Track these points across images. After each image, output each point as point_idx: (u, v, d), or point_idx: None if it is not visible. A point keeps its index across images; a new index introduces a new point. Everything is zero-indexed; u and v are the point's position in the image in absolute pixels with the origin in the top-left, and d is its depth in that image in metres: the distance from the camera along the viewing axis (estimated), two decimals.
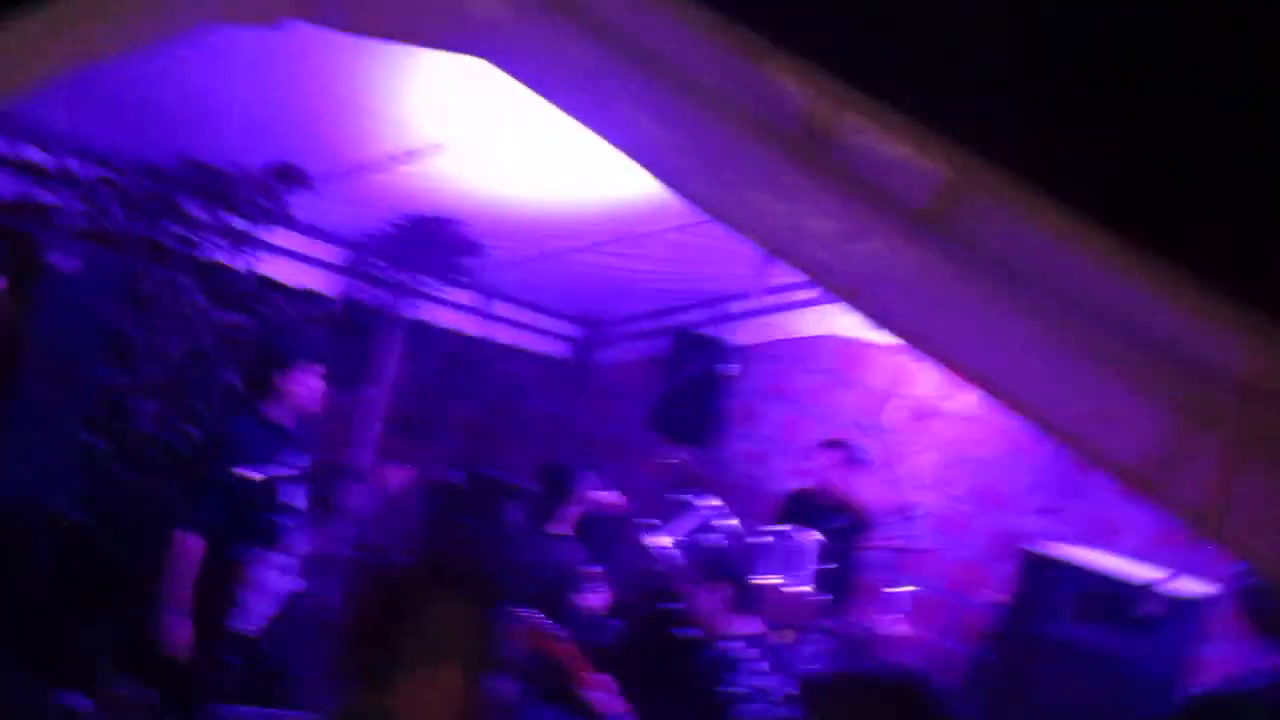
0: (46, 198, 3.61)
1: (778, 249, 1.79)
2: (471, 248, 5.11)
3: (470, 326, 6.06)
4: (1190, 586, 3.72)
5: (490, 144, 3.93)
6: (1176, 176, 1.36)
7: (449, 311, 5.73)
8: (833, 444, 5.42)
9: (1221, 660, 4.84)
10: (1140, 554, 5.30)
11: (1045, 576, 3.80)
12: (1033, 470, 5.76)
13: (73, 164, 3.62)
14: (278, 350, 4.00)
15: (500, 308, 6.19)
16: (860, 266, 1.68)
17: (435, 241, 5.01)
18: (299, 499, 3.93)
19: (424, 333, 5.91)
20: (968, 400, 5.95)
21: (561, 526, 4.27)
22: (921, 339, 1.69)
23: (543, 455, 7.10)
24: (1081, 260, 1.47)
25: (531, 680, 4.60)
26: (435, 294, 5.23)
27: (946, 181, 1.54)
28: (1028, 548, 3.94)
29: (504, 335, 6.38)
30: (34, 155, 3.57)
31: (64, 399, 3.32)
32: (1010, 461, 5.86)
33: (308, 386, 3.95)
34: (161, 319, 3.99)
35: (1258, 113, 1.32)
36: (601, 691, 3.25)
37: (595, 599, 4.03)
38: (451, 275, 5.19)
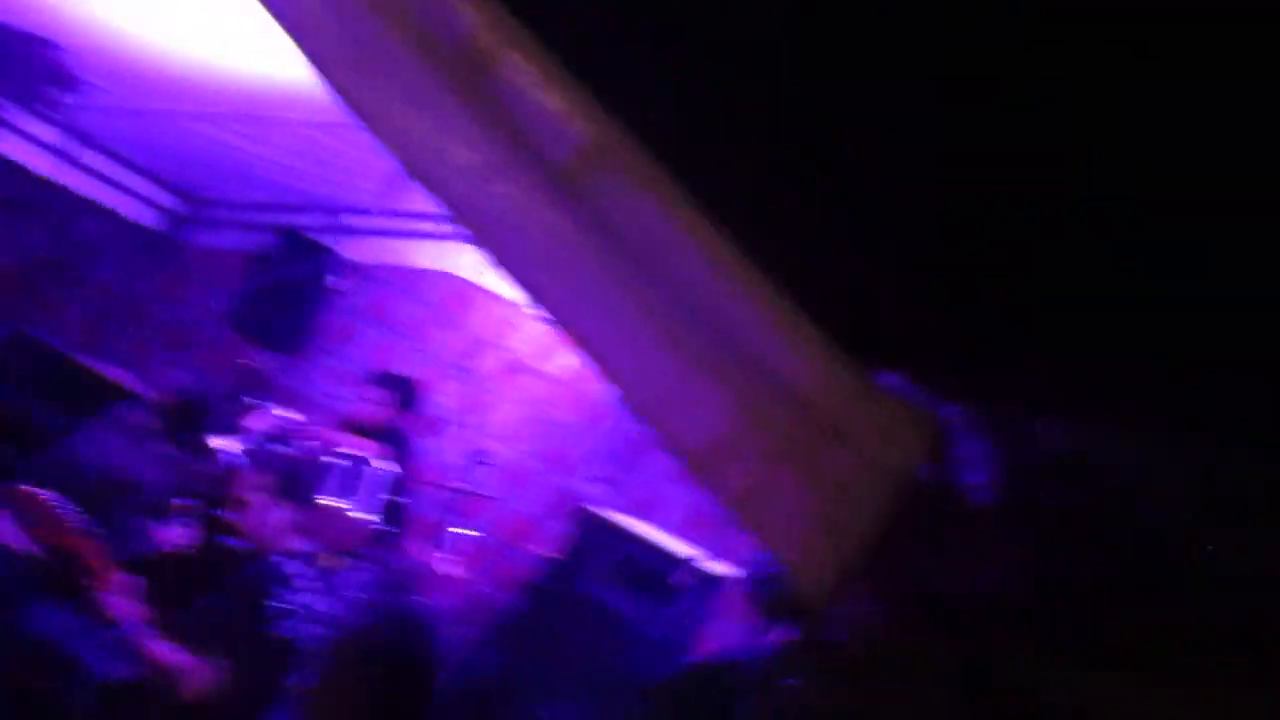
0: None
1: (416, 170, 1.73)
2: (69, 80, 4.46)
3: (43, 167, 5.30)
4: (713, 566, 4.14)
5: None
6: (803, 194, 1.49)
7: (20, 144, 4.97)
8: (388, 381, 5.37)
9: (723, 635, 5.47)
10: (673, 531, 5.85)
11: (593, 539, 4.05)
12: (599, 439, 6.13)
13: None
14: None
15: (86, 155, 5.47)
16: (493, 205, 1.67)
17: (20, 58, 4.31)
18: None
19: None
20: (559, 363, 6.20)
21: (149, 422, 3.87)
22: (536, 291, 1.71)
23: (95, 329, 6.41)
24: (691, 256, 1.57)
25: (38, 571, 4.14)
26: (4, 117, 4.51)
27: (590, 144, 1.58)
28: (583, 508, 4.18)
29: (83, 186, 5.65)
30: None
31: None
32: (583, 428, 6.18)
33: None
34: None
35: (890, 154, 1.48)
36: (122, 594, 2.96)
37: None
38: (31, 102, 4.50)
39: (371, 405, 5.23)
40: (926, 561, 1.58)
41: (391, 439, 5.29)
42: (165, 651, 2.97)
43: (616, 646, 3.88)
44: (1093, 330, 1.39)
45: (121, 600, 2.98)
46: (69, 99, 4.58)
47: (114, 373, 5.48)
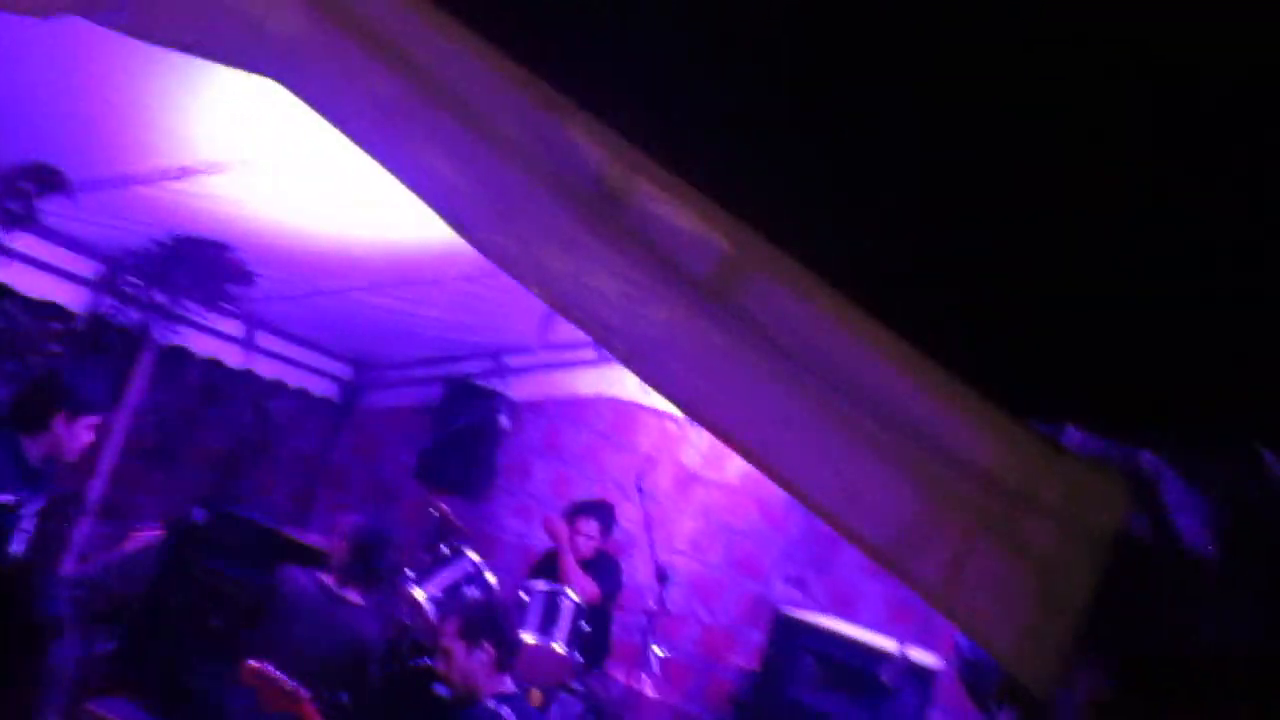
0: None
1: (563, 306, 1.79)
2: (242, 275, 4.85)
3: (231, 357, 5.73)
4: (923, 658, 3.96)
5: (275, 170, 3.76)
6: (947, 276, 1.47)
7: (209, 339, 5.40)
8: (586, 509, 5.44)
9: None
10: (876, 626, 5.63)
11: (793, 643, 3.94)
12: (784, 541, 6.02)
13: None
14: (61, 390, 3.69)
15: (265, 340, 5.90)
16: (643, 330, 1.70)
17: (202, 264, 4.72)
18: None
19: (178, 359, 5.54)
20: (730, 470, 6.17)
21: (352, 595, 4.08)
22: (694, 406, 1.73)
23: (297, 493, 6.78)
24: (847, 344, 1.56)
25: None
26: (196, 319, 4.92)
27: (728, 255, 1.60)
28: (778, 612, 4.08)
29: (267, 369, 6.07)
30: None
31: None
32: (764, 532, 6.10)
33: (79, 438, 3.67)
34: None
35: (1023, 220, 1.45)
36: None
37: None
38: (216, 301, 4.90)
39: (582, 537, 5.32)
40: (1151, 624, 1.47)
41: (599, 566, 5.37)
42: None
43: None
44: None
45: None
46: (243, 291, 4.97)
47: (315, 539, 5.77)
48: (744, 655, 5.74)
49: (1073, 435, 1.56)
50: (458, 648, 3.35)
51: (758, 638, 5.65)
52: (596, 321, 1.74)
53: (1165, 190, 1.23)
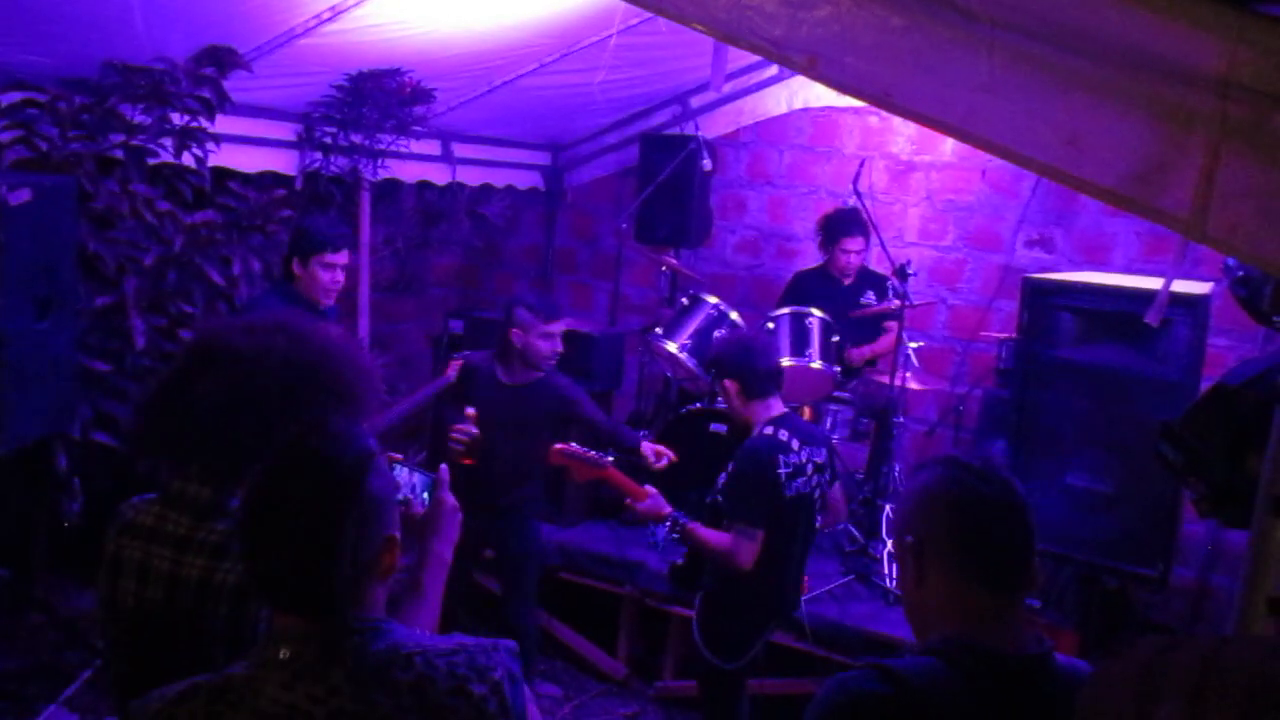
0: None
1: (727, 34, 1.74)
2: (420, 94, 4.96)
3: (437, 175, 5.95)
4: (1189, 287, 3.79)
5: None
6: None
7: (413, 164, 5.62)
8: (842, 226, 5.39)
9: (1226, 351, 5.00)
10: (1133, 268, 5.39)
11: (1047, 304, 3.84)
12: (1018, 205, 5.78)
13: None
14: (301, 237, 3.95)
15: (462, 149, 6.06)
16: (811, 33, 1.63)
17: (383, 95, 4.86)
18: None
19: (392, 191, 5.82)
20: (945, 149, 5.91)
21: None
22: (886, 96, 1.65)
23: (532, 286, 7.14)
24: None
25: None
26: (395, 149, 5.11)
27: None
28: (1026, 278, 3.98)
29: (471, 176, 6.28)
30: None
31: (53, 331, 3.30)
32: (995, 201, 5.87)
33: (323, 277, 3.92)
34: (127, 232, 3.92)
35: None
36: (654, 499, 3.45)
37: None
38: (407, 126, 5.06)
39: (851, 255, 5.40)
40: None
41: (866, 280, 5.44)
42: (709, 534, 3.39)
43: (1111, 403, 3.69)
44: None
45: (654, 502, 3.43)
46: (427, 109, 5.08)
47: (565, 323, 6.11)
48: (999, 326, 5.68)
49: None
50: (727, 386, 3.53)
51: (1009, 307, 5.56)
52: (763, 39, 1.67)
53: None
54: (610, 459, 3.61)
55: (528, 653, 4.44)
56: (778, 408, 3.53)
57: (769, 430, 3.44)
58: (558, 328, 4.06)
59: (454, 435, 3.86)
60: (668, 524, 3.44)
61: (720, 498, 3.47)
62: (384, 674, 1.31)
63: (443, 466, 1.86)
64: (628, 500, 3.53)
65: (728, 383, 3.51)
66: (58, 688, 4.02)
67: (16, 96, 3.60)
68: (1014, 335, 4.23)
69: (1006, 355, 4.78)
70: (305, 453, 1.36)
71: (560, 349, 4.10)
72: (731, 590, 3.47)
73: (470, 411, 3.93)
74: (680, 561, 3.74)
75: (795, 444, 3.42)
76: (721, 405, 4.79)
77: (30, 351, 3.20)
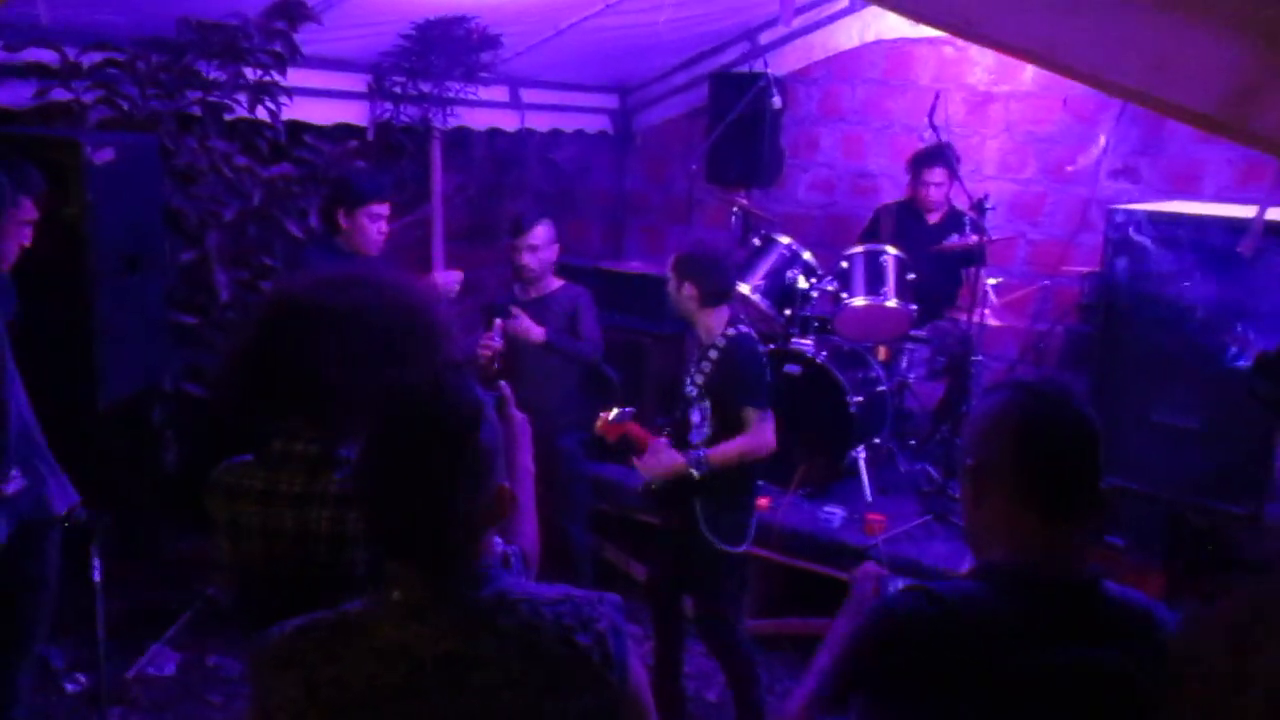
0: (60, 94, 3.57)
1: None
2: (487, 41, 4.94)
3: (506, 121, 5.95)
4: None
5: None
6: None
7: (482, 111, 5.62)
8: (927, 159, 5.27)
9: None
10: (1225, 196, 5.18)
11: (1134, 236, 3.73)
12: (1106, 135, 5.58)
13: (72, 54, 3.55)
14: (344, 189, 4.03)
15: (531, 95, 6.05)
16: None
17: (449, 42, 4.86)
18: None
19: (463, 139, 5.84)
20: (1025, 78, 5.72)
21: None
22: (963, 25, 1.60)
23: (606, 231, 7.13)
24: None
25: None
26: (464, 96, 5.12)
27: None
28: (1111, 209, 3.85)
29: (541, 122, 6.26)
30: (36, 55, 3.51)
31: (143, 288, 3.41)
32: (1077, 130, 5.68)
33: (367, 228, 3.99)
34: (207, 187, 4.01)
35: None
36: (665, 447, 3.54)
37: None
38: (475, 73, 5.06)
39: (931, 187, 5.31)
40: None
41: (951, 219, 5.32)
42: (733, 444, 3.47)
43: (1212, 333, 3.57)
44: None
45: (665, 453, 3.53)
46: (494, 56, 5.07)
47: (635, 265, 6.10)
48: (1082, 261, 5.52)
49: None
50: (687, 289, 3.58)
51: (1093, 239, 5.39)
52: None
53: None
54: (631, 411, 3.68)
55: (584, 575, 4.55)
56: (729, 314, 3.61)
57: (743, 329, 3.56)
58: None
59: (480, 348, 4.17)
60: (693, 470, 3.47)
61: (721, 398, 3.52)
62: (491, 619, 1.35)
63: (502, 384, 1.92)
64: (635, 460, 3.62)
65: (689, 286, 3.55)
66: (161, 628, 4.22)
67: (98, 57, 3.68)
68: (1097, 269, 4.11)
69: (1089, 290, 4.66)
70: (420, 408, 1.39)
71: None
72: (727, 485, 3.54)
73: (499, 322, 4.23)
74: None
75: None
76: (797, 345, 4.75)
77: (123, 309, 3.31)
